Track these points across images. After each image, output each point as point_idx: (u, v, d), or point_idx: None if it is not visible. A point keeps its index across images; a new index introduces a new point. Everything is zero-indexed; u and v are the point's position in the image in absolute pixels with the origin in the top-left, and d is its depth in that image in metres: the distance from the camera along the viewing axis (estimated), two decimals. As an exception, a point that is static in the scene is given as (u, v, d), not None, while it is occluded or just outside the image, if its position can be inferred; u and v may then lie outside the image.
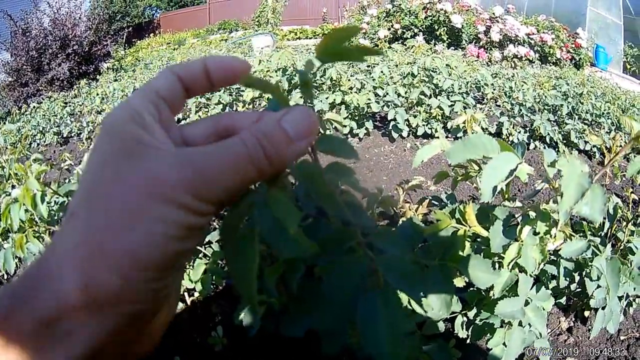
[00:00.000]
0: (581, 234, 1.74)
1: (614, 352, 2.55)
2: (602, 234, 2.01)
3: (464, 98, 5.25)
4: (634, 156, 1.46)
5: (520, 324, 1.57)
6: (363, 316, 0.55)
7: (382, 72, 5.54)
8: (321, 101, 5.06)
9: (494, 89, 6.11)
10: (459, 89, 5.25)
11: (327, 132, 4.98)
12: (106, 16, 17.65)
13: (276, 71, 5.59)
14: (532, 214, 1.38)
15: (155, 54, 17.37)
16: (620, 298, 2.01)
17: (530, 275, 1.44)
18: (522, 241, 1.36)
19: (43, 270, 0.42)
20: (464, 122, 2.39)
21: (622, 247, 2.04)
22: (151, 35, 24.96)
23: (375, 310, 0.55)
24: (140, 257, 0.40)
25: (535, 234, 1.40)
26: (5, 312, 0.40)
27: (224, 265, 2.11)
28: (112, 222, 0.41)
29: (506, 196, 1.52)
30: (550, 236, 1.40)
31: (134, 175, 0.42)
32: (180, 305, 2.30)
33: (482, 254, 1.42)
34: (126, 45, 22.04)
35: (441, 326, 1.62)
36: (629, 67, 17.74)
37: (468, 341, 1.75)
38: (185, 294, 2.33)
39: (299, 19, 22.22)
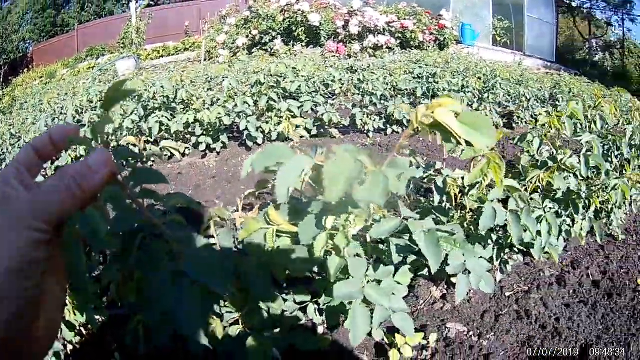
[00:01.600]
0: (419, 210, 1.87)
1: (502, 308, 2.62)
2: (437, 206, 2.11)
3: (313, 97, 5.39)
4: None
5: (366, 302, 1.61)
6: (174, 307, 0.82)
7: (230, 84, 5.62)
8: (177, 122, 5.20)
9: (343, 84, 6.25)
10: (308, 88, 5.42)
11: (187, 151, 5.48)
12: None
13: (132, 99, 5.61)
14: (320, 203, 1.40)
15: (30, 91, 16.90)
16: (492, 259, 2.31)
17: (365, 257, 1.55)
18: (328, 230, 1.39)
19: None
20: (284, 128, 2.34)
21: (470, 213, 2.16)
22: (25, 70, 24.08)
23: (181, 300, 0.83)
24: (9, 264, 0.60)
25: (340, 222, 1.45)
26: None
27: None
28: None
29: (321, 190, 1.47)
30: (350, 222, 1.44)
31: (5, 214, 0.63)
32: (78, 338, 2.35)
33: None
34: (3, 84, 21.20)
35: (300, 315, 1.81)
36: (498, 39, 18.83)
37: (325, 326, 1.96)
38: (82, 328, 2.38)
39: (163, 35, 21.81)
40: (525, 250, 2.65)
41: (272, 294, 1.32)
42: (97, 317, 2.18)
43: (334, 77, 6.25)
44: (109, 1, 39.00)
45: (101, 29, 24.31)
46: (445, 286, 2.67)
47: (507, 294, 2.80)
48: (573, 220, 2.95)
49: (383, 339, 2.19)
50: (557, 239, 2.75)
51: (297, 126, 2.39)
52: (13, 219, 0.63)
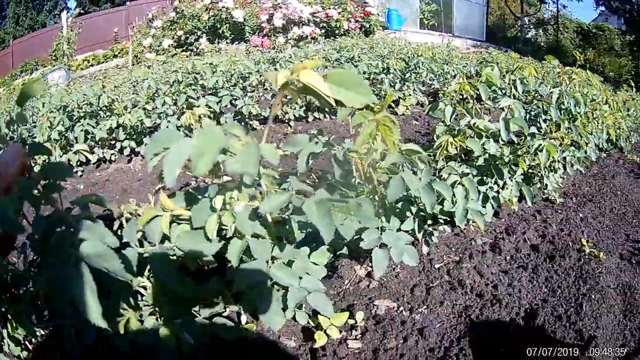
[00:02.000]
0: (326, 187, 1.77)
1: (432, 280, 2.57)
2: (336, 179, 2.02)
3: (231, 91, 5.45)
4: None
5: (277, 284, 1.62)
6: (77, 298, 0.95)
7: (149, 85, 5.66)
8: (101, 129, 5.25)
9: (260, 75, 6.27)
10: (227, 83, 5.55)
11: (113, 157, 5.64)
12: None
13: (58, 110, 5.65)
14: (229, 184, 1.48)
15: (-35, 111, 16.35)
16: (414, 232, 2.29)
17: (270, 239, 1.51)
18: (219, 211, 1.41)
19: None
20: (186, 119, 2.25)
21: (381, 186, 2.05)
22: None
23: (79, 286, 0.96)
24: None
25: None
26: None
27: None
28: None
29: (218, 174, 1.55)
30: (234, 199, 1.44)
31: None
32: (26, 353, 2.17)
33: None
34: None
35: (220, 307, 1.73)
36: (426, 22, 19.14)
37: (243, 312, 1.92)
38: (27, 342, 2.18)
39: (93, 44, 21.58)
40: (449, 219, 2.57)
41: (175, 281, 1.35)
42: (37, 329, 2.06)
43: (251, 70, 6.24)
44: (42, 13, 38.45)
45: (35, 42, 23.80)
46: (370, 264, 2.52)
47: (437, 265, 2.74)
48: (503, 187, 2.91)
49: (308, 322, 2.12)
50: (484, 206, 2.71)
51: (200, 116, 2.32)
52: None
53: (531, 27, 31.46)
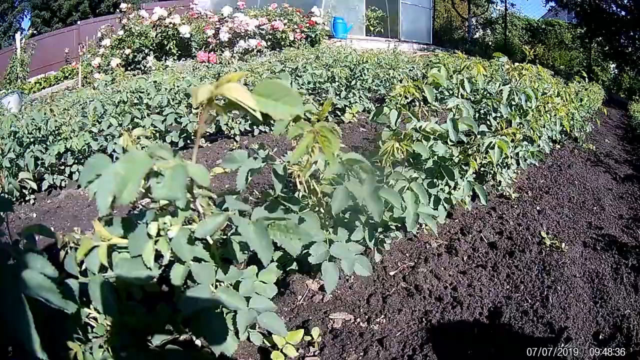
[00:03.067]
0: (267, 203, 1.88)
1: (388, 288, 2.56)
2: (279, 195, 2.08)
3: (176, 109, 5.43)
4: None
5: (223, 307, 1.57)
6: (18, 329, 0.97)
7: (95, 107, 5.52)
8: (50, 154, 5.10)
9: None
10: (173, 100, 5.48)
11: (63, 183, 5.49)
12: None
13: (8, 136, 5.43)
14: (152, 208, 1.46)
15: None
16: (364, 241, 2.23)
17: (214, 263, 1.50)
18: (154, 238, 1.38)
19: None
20: (124, 141, 2.22)
21: (326, 198, 2.08)
22: None
23: (22, 322, 0.98)
24: None
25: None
26: None
27: None
28: None
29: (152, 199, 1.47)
30: (168, 225, 1.41)
31: None
32: None
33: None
34: None
35: (166, 335, 1.69)
36: (372, 29, 19.28)
37: (194, 338, 1.86)
38: None
39: (46, 65, 21.26)
40: (401, 225, 2.54)
41: (118, 310, 1.32)
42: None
43: (194, 86, 6.07)
44: (-3, 35, 37.86)
45: (-12, 66, 23.34)
46: (321, 278, 2.53)
47: (392, 272, 2.72)
48: (455, 188, 2.89)
49: (264, 342, 2.07)
50: (436, 208, 2.68)
51: (138, 137, 2.25)
52: None
53: (479, 27, 31.92)
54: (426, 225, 2.55)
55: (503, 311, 2.33)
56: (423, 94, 2.67)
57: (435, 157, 2.62)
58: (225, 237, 1.65)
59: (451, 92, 3.27)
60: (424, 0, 22.70)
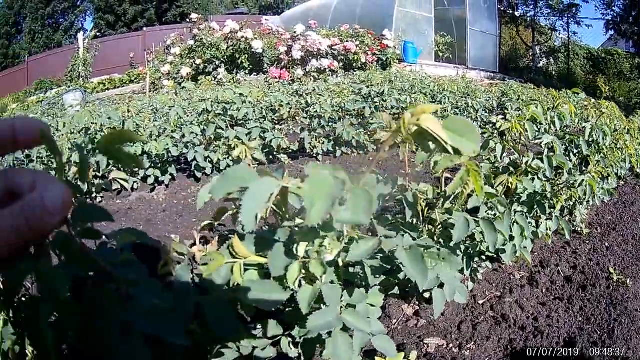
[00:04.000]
0: (389, 227, 1.78)
1: (478, 316, 2.61)
2: (409, 222, 2.05)
3: (261, 123, 5.34)
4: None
5: (346, 329, 1.49)
6: None
7: (177, 114, 5.50)
8: None
9: (290, 108, 6.26)
10: (256, 115, 5.45)
11: (135, 185, 5.33)
12: None
13: (80, 132, 5.45)
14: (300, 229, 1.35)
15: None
16: (462, 270, 2.23)
17: (339, 283, 1.43)
18: (302, 259, 1.31)
19: None
20: (240, 153, 2.25)
21: (440, 226, 2.13)
22: None
23: (126, 356, 0.70)
24: None
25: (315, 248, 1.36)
26: None
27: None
28: None
29: (286, 216, 1.45)
30: (326, 248, 1.35)
31: None
32: None
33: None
34: None
35: (272, 351, 1.64)
36: (441, 54, 19.16)
37: (302, 358, 1.73)
38: None
39: (109, 67, 21.70)
40: (494, 256, 2.63)
41: (238, 331, 1.19)
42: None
43: (282, 102, 6.21)
44: (58, 32, 38.94)
45: (50, 61, 24.10)
46: (417, 302, 2.64)
47: (481, 301, 2.79)
48: (537, 221, 2.94)
49: (370, 363, 2.11)
50: (529, 241, 2.74)
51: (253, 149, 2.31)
52: None
53: (543, 56, 31.53)
54: (520, 257, 2.60)
55: (577, 341, 2.41)
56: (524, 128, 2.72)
57: (531, 191, 2.66)
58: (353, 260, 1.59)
59: (541, 127, 3.28)
60: (491, 26, 22.66)
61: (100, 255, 0.84)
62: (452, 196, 2.06)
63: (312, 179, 0.98)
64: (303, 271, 1.33)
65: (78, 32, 34.40)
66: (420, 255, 1.44)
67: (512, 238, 2.32)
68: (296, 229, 1.42)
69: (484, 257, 2.66)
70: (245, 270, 1.35)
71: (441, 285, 1.96)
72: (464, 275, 2.58)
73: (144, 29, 27.84)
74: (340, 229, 1.33)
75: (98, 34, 32.22)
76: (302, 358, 1.72)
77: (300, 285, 1.39)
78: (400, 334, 2.46)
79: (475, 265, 2.66)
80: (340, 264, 1.49)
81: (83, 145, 5.07)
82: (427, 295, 2.46)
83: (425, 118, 0.99)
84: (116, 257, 0.90)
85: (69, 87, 17.27)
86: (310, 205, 0.94)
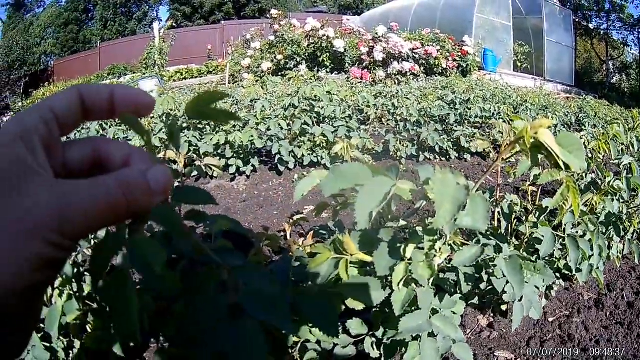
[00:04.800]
0: (477, 239, 1.81)
1: (546, 333, 2.64)
2: (502, 232, 2.09)
3: (347, 122, 5.28)
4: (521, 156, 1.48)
5: (431, 334, 1.56)
6: (228, 348, 0.65)
7: (263, 107, 5.50)
8: (206, 143, 5.02)
9: (377, 109, 6.22)
10: (342, 113, 5.31)
11: (215, 173, 5.22)
12: (6, 65, 16.99)
13: (160, 117, 5.48)
14: (419, 229, 1.40)
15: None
16: (537, 286, 2.13)
17: (431, 287, 1.46)
18: (408, 260, 1.36)
19: None
20: (341, 149, 2.34)
21: (527, 240, 2.16)
22: (46, 84, 23.48)
23: (236, 340, 0.65)
24: (5, 287, 0.42)
25: (422, 250, 1.40)
26: None
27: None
28: None
29: (389, 216, 1.51)
30: (436, 251, 1.40)
31: (9, 212, 0.43)
32: None
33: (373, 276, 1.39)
34: (24, 96, 21.06)
35: (351, 350, 1.68)
36: (519, 64, 18.67)
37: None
38: None
39: (185, 58, 21.99)
40: (568, 274, 2.71)
41: (336, 326, 1.03)
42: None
43: (369, 102, 6.21)
44: (132, 21, 39.95)
45: (123, 47, 24.70)
46: (492, 314, 2.70)
47: (551, 319, 2.83)
48: (609, 243, 2.97)
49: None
50: (602, 263, 2.79)
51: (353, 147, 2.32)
52: (25, 222, 0.43)
53: (615, 71, 30.64)
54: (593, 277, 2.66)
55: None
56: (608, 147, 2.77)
57: (608, 212, 2.71)
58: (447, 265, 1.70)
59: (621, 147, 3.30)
60: (566, 38, 22.24)
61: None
62: (542, 210, 2.12)
63: (438, 182, 1.02)
64: (427, 276, 1.38)
65: (153, 22, 35.26)
66: (519, 265, 1.49)
67: (589, 258, 2.35)
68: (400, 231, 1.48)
69: (558, 275, 2.72)
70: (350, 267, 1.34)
71: (520, 299, 2.01)
72: (540, 292, 2.67)
73: (222, 22, 28.20)
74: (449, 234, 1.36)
75: (174, 24, 32.81)
76: (383, 358, 1.74)
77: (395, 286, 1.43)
78: (472, 345, 2.54)
79: (550, 283, 2.73)
80: (436, 269, 1.48)
81: (163, 130, 5.10)
82: (504, 307, 2.57)
83: (542, 132, 1.04)
84: (210, 243, 0.94)
85: (144, 74, 17.67)
86: (438, 207, 0.98)
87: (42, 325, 1.81)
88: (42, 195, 0.45)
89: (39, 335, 1.83)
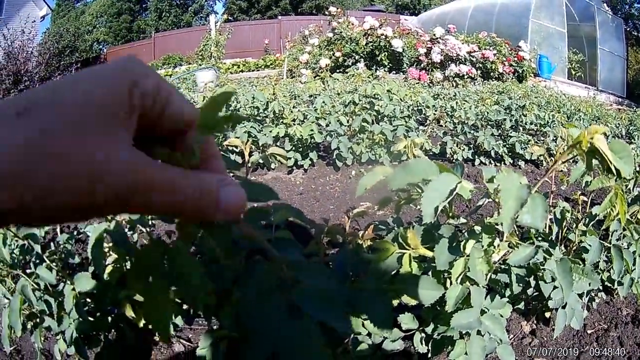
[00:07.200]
0: (530, 241, 1.79)
1: (584, 345, 2.67)
2: (552, 238, 2.13)
3: (406, 122, 5.28)
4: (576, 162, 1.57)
5: (478, 333, 1.60)
6: (284, 347, 0.63)
7: (323, 102, 5.53)
8: (265, 135, 5.02)
9: (436, 110, 6.20)
10: (401, 113, 5.31)
11: (272, 165, 5.25)
12: (56, 50, 17.27)
13: None
14: (478, 228, 1.43)
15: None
16: (580, 295, 2.17)
17: (483, 286, 1.48)
18: (467, 256, 1.39)
19: None
20: (404, 147, 2.42)
21: (575, 248, 2.19)
22: None
23: (293, 339, 0.63)
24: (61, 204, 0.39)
25: (480, 247, 1.43)
26: None
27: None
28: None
29: (450, 214, 1.58)
30: (495, 248, 1.43)
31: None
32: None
33: (431, 273, 1.49)
34: None
35: (399, 344, 1.73)
36: (573, 72, 18.35)
37: (429, 356, 1.79)
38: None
39: (242, 51, 22.17)
40: (609, 287, 2.74)
41: (390, 322, 1.04)
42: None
43: (429, 103, 6.24)
44: (187, 13, 40.46)
45: (178, 39, 24.96)
46: (535, 321, 2.75)
47: (589, 331, 2.87)
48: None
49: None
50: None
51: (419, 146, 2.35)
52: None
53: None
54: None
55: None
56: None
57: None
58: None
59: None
60: (619, 47, 21.81)
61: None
62: (591, 217, 2.17)
63: (503, 180, 1.08)
64: (484, 272, 1.41)
65: (209, 15, 36.09)
66: (569, 268, 1.54)
67: (631, 271, 2.33)
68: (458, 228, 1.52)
69: (600, 287, 2.80)
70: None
71: (564, 306, 2.03)
72: (582, 302, 2.74)
73: (279, 17, 28.32)
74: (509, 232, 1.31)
75: (230, 17, 33.03)
76: (430, 355, 1.77)
77: (449, 283, 1.47)
78: (514, 349, 2.45)
79: (595, 288, 2.80)
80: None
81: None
82: (547, 314, 2.64)
83: (597, 137, 1.09)
84: (270, 234, 0.94)
85: (200, 65, 17.59)
86: (503, 203, 1.03)
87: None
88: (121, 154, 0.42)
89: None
